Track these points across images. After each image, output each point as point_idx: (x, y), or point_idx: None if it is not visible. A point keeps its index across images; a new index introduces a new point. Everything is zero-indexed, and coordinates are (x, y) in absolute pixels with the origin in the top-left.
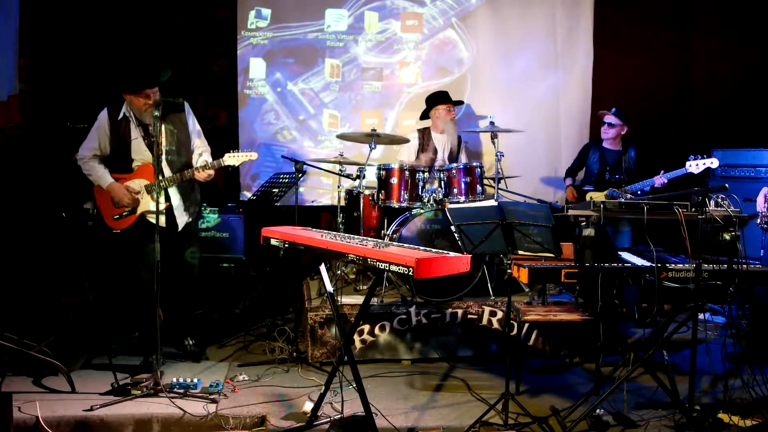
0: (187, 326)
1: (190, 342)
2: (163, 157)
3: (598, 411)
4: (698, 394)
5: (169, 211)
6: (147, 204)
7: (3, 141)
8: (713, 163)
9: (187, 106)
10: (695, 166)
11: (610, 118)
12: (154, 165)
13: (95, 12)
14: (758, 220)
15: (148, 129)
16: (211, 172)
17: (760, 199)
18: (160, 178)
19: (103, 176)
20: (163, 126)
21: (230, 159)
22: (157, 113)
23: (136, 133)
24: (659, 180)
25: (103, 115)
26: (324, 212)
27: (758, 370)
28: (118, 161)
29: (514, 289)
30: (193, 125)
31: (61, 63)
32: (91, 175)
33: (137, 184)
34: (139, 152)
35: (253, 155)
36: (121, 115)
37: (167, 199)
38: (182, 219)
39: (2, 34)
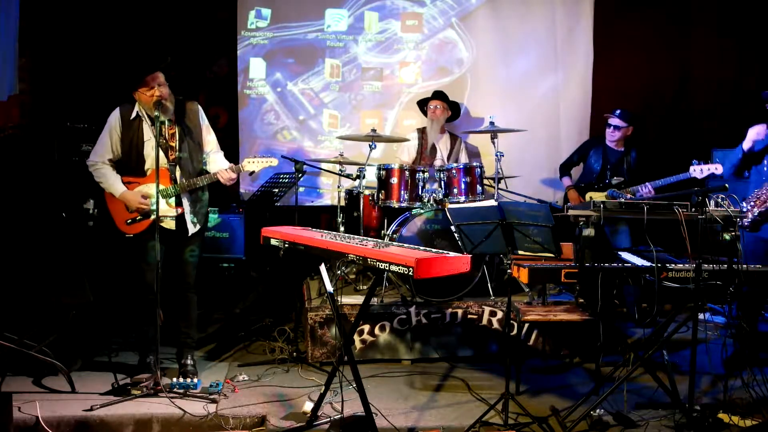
0: (188, 344)
1: (189, 363)
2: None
3: (598, 411)
4: (698, 394)
5: (181, 217)
6: (160, 209)
7: (3, 141)
8: (717, 169)
9: (198, 106)
10: (699, 171)
11: (615, 121)
12: (168, 169)
13: (95, 12)
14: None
15: (162, 129)
16: (234, 175)
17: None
18: (174, 184)
19: (114, 185)
20: (176, 129)
21: (250, 165)
22: (157, 113)
23: (149, 134)
24: (645, 190)
25: (114, 116)
26: (324, 212)
27: (758, 370)
28: (131, 164)
29: (514, 289)
30: (203, 122)
31: (61, 63)
32: (102, 183)
33: (152, 188)
34: (152, 155)
35: (273, 161)
36: (134, 115)
37: (178, 203)
38: (192, 225)
39: (2, 34)
